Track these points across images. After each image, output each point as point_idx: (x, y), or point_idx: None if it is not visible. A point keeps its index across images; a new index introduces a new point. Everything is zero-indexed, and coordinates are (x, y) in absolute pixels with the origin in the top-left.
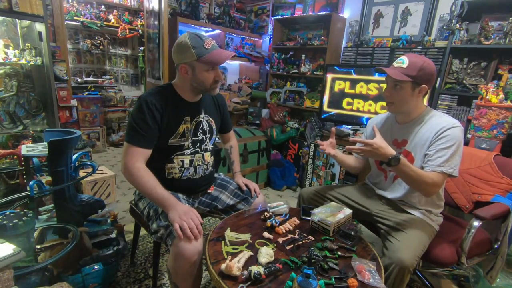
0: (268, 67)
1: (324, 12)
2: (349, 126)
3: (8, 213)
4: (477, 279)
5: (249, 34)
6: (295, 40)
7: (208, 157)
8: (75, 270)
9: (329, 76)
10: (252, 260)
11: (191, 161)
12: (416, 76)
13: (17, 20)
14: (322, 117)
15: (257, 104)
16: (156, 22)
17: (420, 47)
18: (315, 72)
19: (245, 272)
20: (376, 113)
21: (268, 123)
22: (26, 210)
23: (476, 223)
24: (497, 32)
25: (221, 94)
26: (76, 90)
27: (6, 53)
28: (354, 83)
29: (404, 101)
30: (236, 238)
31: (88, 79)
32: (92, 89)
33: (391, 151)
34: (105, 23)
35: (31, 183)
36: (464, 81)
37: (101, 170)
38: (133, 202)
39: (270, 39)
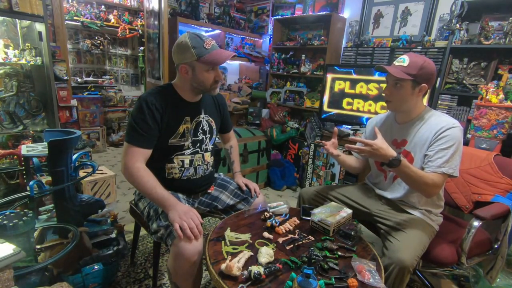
0: (268, 67)
1: (324, 12)
2: (349, 126)
3: (8, 213)
4: (477, 279)
5: (249, 34)
6: (295, 40)
7: (208, 157)
8: (75, 270)
9: (329, 76)
10: (252, 260)
11: (191, 161)
12: (416, 75)
13: (17, 20)
14: (322, 117)
15: (257, 104)
16: (156, 22)
17: (420, 47)
18: (315, 72)
19: (245, 272)
20: (376, 113)
21: (268, 123)
22: (26, 210)
23: (476, 223)
24: (497, 32)
25: (221, 94)
26: (76, 90)
27: (6, 53)
28: (354, 83)
29: (404, 100)
30: (236, 238)
31: (88, 79)
32: (92, 89)
33: (391, 152)
34: (105, 23)
35: (31, 183)
36: (464, 81)
37: (101, 170)
38: (133, 202)
39: (270, 39)
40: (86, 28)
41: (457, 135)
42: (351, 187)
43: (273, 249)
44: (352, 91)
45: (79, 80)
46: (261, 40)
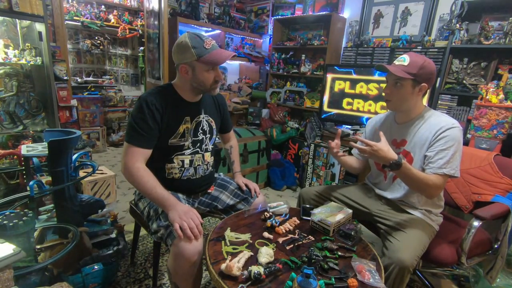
0: (268, 67)
1: (324, 12)
2: (349, 126)
3: (8, 213)
4: (477, 279)
5: (249, 34)
6: (295, 40)
7: (208, 157)
8: (75, 270)
9: (329, 76)
10: (252, 260)
11: (191, 161)
12: (416, 74)
13: (17, 20)
14: (322, 117)
15: (257, 104)
16: (156, 22)
17: (420, 47)
18: (315, 72)
19: (245, 272)
20: (376, 113)
21: (268, 123)
22: (26, 210)
23: (476, 223)
24: (497, 32)
25: (221, 94)
26: (76, 90)
27: (6, 53)
28: (354, 83)
29: (404, 99)
30: (236, 238)
31: (88, 79)
32: (92, 89)
33: (392, 155)
34: (105, 23)
35: (31, 183)
36: (464, 81)
37: (101, 170)
38: (133, 202)
39: (270, 39)
40: (86, 28)
41: (457, 135)
42: (351, 187)
43: (273, 249)
44: (352, 91)
45: (79, 80)
46: (261, 40)
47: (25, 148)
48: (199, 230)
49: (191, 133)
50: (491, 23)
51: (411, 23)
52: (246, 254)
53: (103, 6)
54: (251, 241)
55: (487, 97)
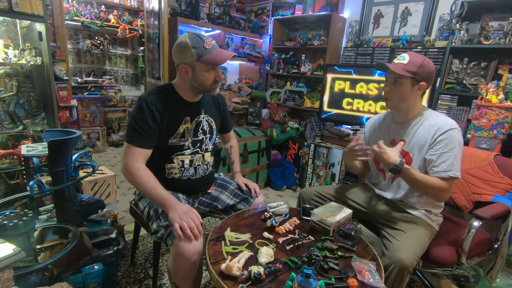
0: (268, 67)
1: (324, 12)
2: (349, 126)
3: (8, 213)
4: (477, 279)
5: (249, 34)
6: (295, 40)
7: (208, 157)
8: (75, 270)
9: (329, 76)
10: (252, 260)
11: (191, 161)
12: (416, 72)
13: (17, 20)
14: (322, 117)
15: (257, 104)
16: (156, 22)
17: (420, 47)
18: (315, 72)
19: (245, 272)
20: (376, 113)
21: (268, 123)
22: (26, 210)
23: (476, 223)
24: (497, 32)
25: (221, 94)
26: (76, 90)
27: (6, 53)
28: (354, 83)
29: (403, 98)
30: (236, 238)
31: (88, 79)
32: (92, 89)
33: (393, 160)
34: (105, 23)
35: (31, 183)
36: (464, 81)
37: (101, 170)
38: (133, 202)
39: (270, 39)
40: (86, 28)
41: (457, 137)
42: (351, 187)
43: (273, 249)
44: (352, 91)
45: (79, 80)
46: (261, 40)
47: (25, 148)
48: (199, 230)
49: (191, 133)
50: (491, 23)
51: (411, 23)
52: (246, 254)
53: (103, 6)
54: (251, 241)
55: (487, 97)
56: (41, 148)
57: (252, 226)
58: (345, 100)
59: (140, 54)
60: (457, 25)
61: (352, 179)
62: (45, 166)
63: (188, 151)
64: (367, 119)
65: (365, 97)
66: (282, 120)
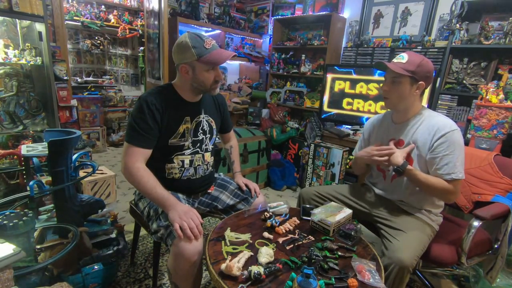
0: (268, 67)
1: (324, 12)
2: (349, 126)
3: (8, 213)
4: (477, 279)
5: (249, 34)
6: (295, 40)
7: (208, 157)
8: (75, 270)
9: (329, 76)
10: (252, 260)
11: (191, 161)
12: (414, 72)
13: (17, 20)
14: (322, 117)
15: (257, 104)
16: (156, 22)
17: (420, 47)
18: (315, 72)
19: (245, 272)
20: (376, 113)
21: (268, 123)
22: (26, 210)
23: (476, 223)
24: (497, 32)
25: (221, 94)
26: (76, 90)
27: (6, 53)
28: (354, 83)
29: (402, 97)
30: (236, 238)
31: (88, 79)
32: (92, 89)
33: (396, 160)
34: (105, 23)
35: (31, 183)
36: (464, 81)
37: (101, 170)
38: (133, 202)
39: (270, 39)
40: (86, 28)
41: (458, 138)
42: (351, 187)
43: (273, 249)
44: (352, 91)
45: (79, 80)
46: (261, 40)
47: (25, 148)
48: (199, 230)
49: (191, 133)
50: (491, 23)
51: (411, 23)
52: (246, 254)
53: (103, 6)
54: (251, 241)
55: (487, 97)
56: (41, 148)
57: (252, 226)
58: (345, 100)
59: (140, 54)
60: (457, 25)
61: (352, 179)
62: (45, 166)
63: (188, 151)
64: (367, 119)
65: (365, 97)
66: (282, 120)
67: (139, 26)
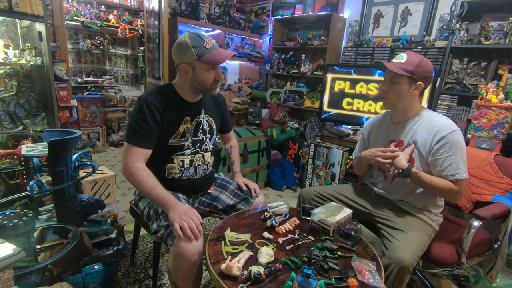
0: (268, 67)
1: (324, 12)
2: (349, 126)
3: (8, 213)
4: (477, 279)
5: (249, 34)
6: (295, 40)
7: (208, 157)
8: (75, 270)
9: (329, 76)
10: (252, 260)
11: (191, 161)
12: (413, 72)
13: (17, 20)
14: (322, 117)
15: (257, 104)
16: (156, 22)
17: (420, 47)
18: (315, 72)
19: (245, 272)
20: (376, 113)
21: (268, 123)
22: (26, 210)
23: (476, 223)
24: (497, 32)
25: (221, 94)
26: (76, 90)
27: (6, 53)
28: (354, 83)
29: (400, 97)
30: (236, 238)
31: (88, 79)
32: (92, 89)
33: (400, 164)
34: (105, 23)
35: (31, 183)
36: (464, 81)
37: (101, 170)
38: (133, 202)
39: (270, 39)
40: (86, 28)
41: (458, 139)
42: (351, 187)
43: (273, 249)
44: (352, 91)
45: (79, 80)
46: (261, 40)
47: (25, 148)
48: (199, 230)
49: (191, 133)
50: (491, 23)
51: (411, 23)
52: (246, 254)
53: (103, 6)
54: (251, 241)
55: (487, 97)
56: (41, 148)
57: (252, 226)
58: (345, 100)
59: (140, 54)
60: (457, 25)
61: (352, 179)
62: (45, 166)
63: (188, 151)
64: (367, 119)
65: (365, 97)
66: (282, 120)
67: (139, 26)
